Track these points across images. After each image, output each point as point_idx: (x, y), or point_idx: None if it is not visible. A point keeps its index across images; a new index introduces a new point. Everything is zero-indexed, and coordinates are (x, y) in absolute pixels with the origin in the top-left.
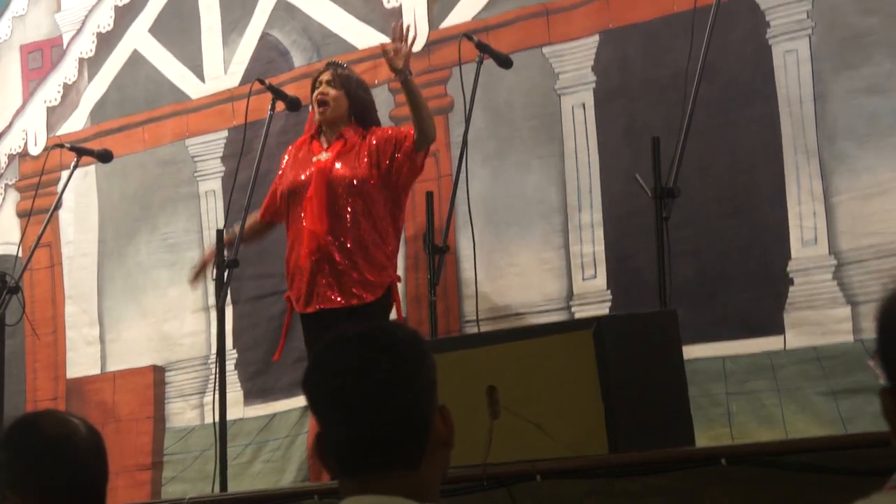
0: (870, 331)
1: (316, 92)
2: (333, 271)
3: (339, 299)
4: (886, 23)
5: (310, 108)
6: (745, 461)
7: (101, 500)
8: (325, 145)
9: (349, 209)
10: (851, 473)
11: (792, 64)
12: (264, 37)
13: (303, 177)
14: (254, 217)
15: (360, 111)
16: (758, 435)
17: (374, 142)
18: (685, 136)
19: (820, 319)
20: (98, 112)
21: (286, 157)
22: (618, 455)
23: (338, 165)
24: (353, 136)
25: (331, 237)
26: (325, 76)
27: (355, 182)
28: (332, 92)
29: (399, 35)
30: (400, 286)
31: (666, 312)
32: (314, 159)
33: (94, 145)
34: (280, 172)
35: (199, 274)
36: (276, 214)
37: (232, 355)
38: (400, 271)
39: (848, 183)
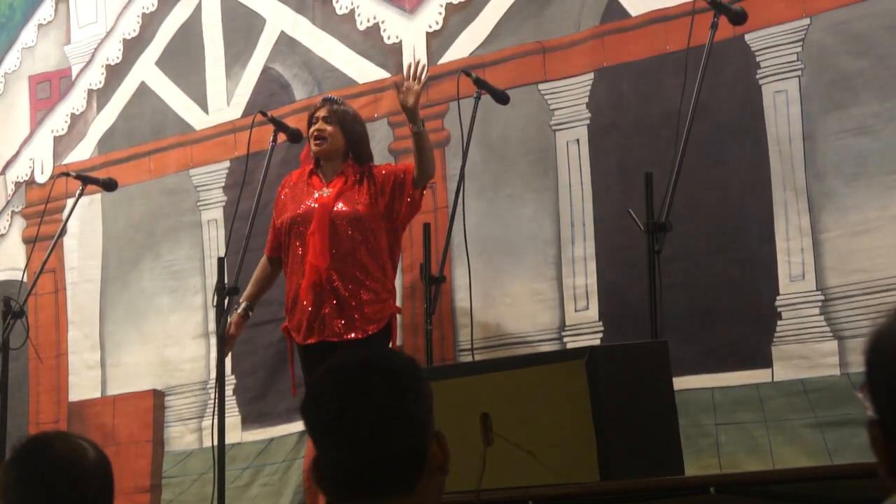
0: (856, 364)
1: (313, 128)
2: (338, 304)
3: (342, 332)
4: (875, 65)
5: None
6: (734, 490)
7: None
8: (324, 181)
9: (351, 244)
10: None
11: (781, 104)
12: (266, 70)
13: (302, 210)
14: (262, 263)
15: (356, 146)
16: (746, 465)
17: (375, 179)
18: (677, 172)
19: (807, 353)
20: (106, 142)
21: (283, 191)
22: (609, 483)
23: (340, 202)
24: (354, 174)
25: (333, 271)
26: (322, 112)
27: (357, 217)
28: (328, 128)
29: (413, 73)
30: (397, 316)
31: (657, 343)
32: (316, 195)
33: (102, 174)
34: (276, 206)
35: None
36: (281, 249)
37: (230, 381)
38: (397, 301)
39: (836, 220)
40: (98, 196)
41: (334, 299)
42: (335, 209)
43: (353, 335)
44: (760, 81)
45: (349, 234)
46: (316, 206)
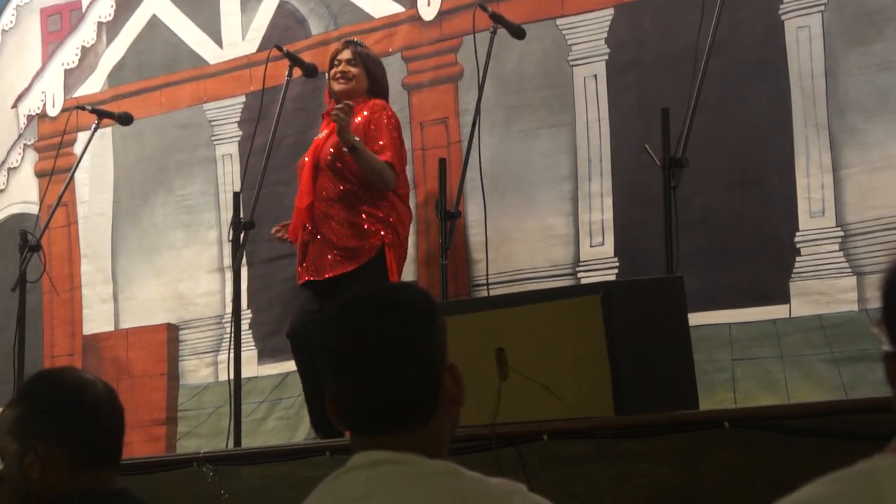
0: (874, 300)
1: (335, 69)
2: (323, 242)
3: (314, 272)
4: None
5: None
6: (748, 424)
7: (118, 450)
8: (328, 123)
9: (331, 184)
10: (853, 438)
11: (804, 39)
12: (282, 5)
13: (305, 152)
14: None
15: (377, 87)
16: (761, 400)
17: (372, 128)
18: (694, 108)
19: (825, 289)
20: (116, 75)
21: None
22: (623, 417)
23: (329, 144)
24: (356, 112)
25: (315, 212)
26: (345, 54)
27: (340, 158)
28: (353, 70)
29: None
30: (410, 250)
31: (672, 278)
32: (314, 137)
33: (112, 108)
34: None
35: None
36: None
37: (246, 315)
38: (411, 237)
39: (857, 157)
40: (108, 130)
41: (319, 239)
42: (323, 150)
43: (327, 273)
44: (783, 17)
45: (333, 176)
46: (311, 147)
